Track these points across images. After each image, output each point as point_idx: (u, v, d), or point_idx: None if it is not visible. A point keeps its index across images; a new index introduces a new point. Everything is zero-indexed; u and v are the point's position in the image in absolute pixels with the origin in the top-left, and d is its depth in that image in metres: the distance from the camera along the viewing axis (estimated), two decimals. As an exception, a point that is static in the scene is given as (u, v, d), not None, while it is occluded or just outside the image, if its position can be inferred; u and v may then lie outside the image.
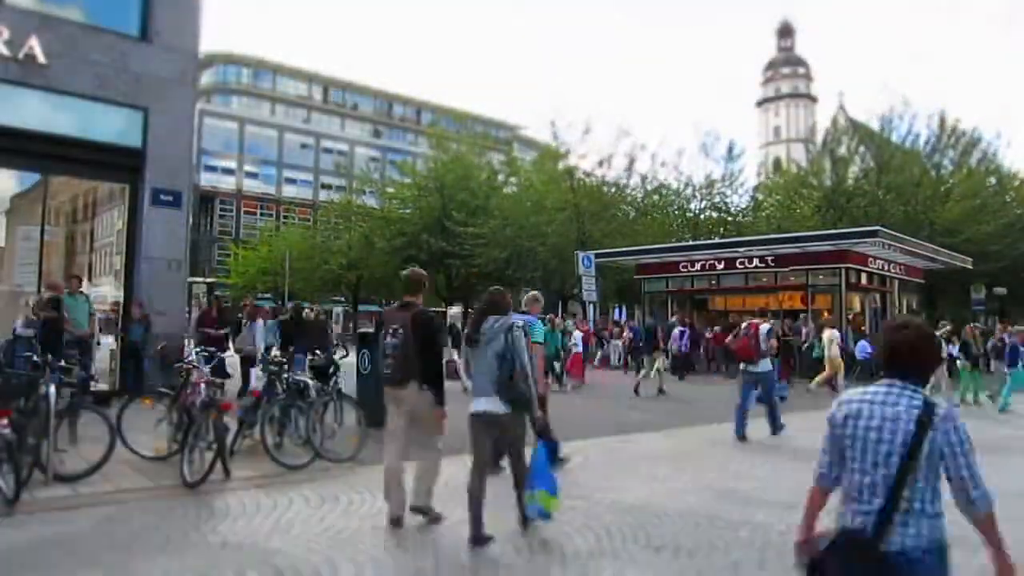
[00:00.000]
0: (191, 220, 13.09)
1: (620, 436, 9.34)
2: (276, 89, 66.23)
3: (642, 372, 15.29)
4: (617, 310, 36.72)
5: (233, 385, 9.98)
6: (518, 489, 4.80)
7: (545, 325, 9.07)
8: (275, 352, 9.61)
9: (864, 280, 22.13)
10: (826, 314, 19.68)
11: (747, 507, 5.70)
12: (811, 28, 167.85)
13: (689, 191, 31.48)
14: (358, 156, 57.83)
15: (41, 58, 10.55)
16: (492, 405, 4.64)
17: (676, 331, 19.30)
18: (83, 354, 9.81)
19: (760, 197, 33.97)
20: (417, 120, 72.09)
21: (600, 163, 30.40)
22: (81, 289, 10.92)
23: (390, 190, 37.58)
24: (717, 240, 26.20)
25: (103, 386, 11.14)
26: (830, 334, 14.74)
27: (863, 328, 20.18)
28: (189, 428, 6.25)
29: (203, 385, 6.48)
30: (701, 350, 21.16)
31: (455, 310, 32.55)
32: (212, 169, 53.70)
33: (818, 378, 14.44)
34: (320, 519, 5.18)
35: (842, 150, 30.72)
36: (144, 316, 11.03)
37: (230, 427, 6.63)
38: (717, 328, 20.31)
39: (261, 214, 55.18)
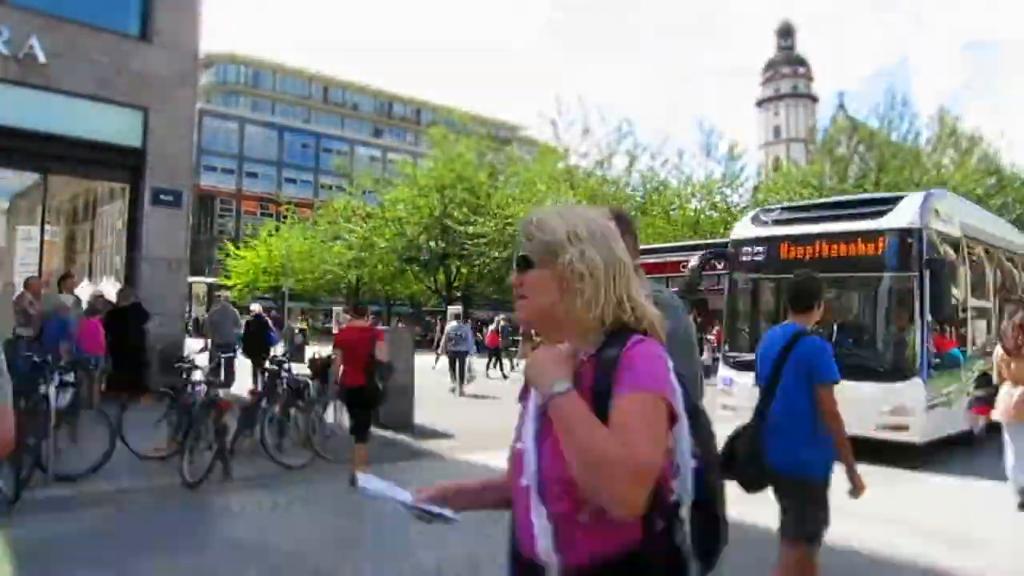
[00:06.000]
0: (191, 220, 13.09)
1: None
2: (276, 89, 66.18)
3: None
4: None
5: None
6: None
7: None
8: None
9: (864, 280, 22.07)
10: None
11: (746, 507, 5.67)
12: (811, 28, 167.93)
13: (689, 190, 31.42)
14: (358, 156, 57.73)
15: (41, 58, 10.54)
16: None
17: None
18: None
19: (761, 197, 33.88)
20: (417, 120, 71.98)
21: (600, 163, 30.37)
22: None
23: (390, 190, 37.49)
24: (717, 240, 26.11)
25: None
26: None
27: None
28: (189, 428, 6.25)
29: (203, 385, 6.49)
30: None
31: (455, 309, 32.47)
32: (212, 169, 53.60)
33: None
34: (320, 519, 5.18)
35: (841, 149, 30.64)
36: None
37: (230, 427, 6.64)
38: (717, 328, 20.29)
39: (261, 214, 55.05)
